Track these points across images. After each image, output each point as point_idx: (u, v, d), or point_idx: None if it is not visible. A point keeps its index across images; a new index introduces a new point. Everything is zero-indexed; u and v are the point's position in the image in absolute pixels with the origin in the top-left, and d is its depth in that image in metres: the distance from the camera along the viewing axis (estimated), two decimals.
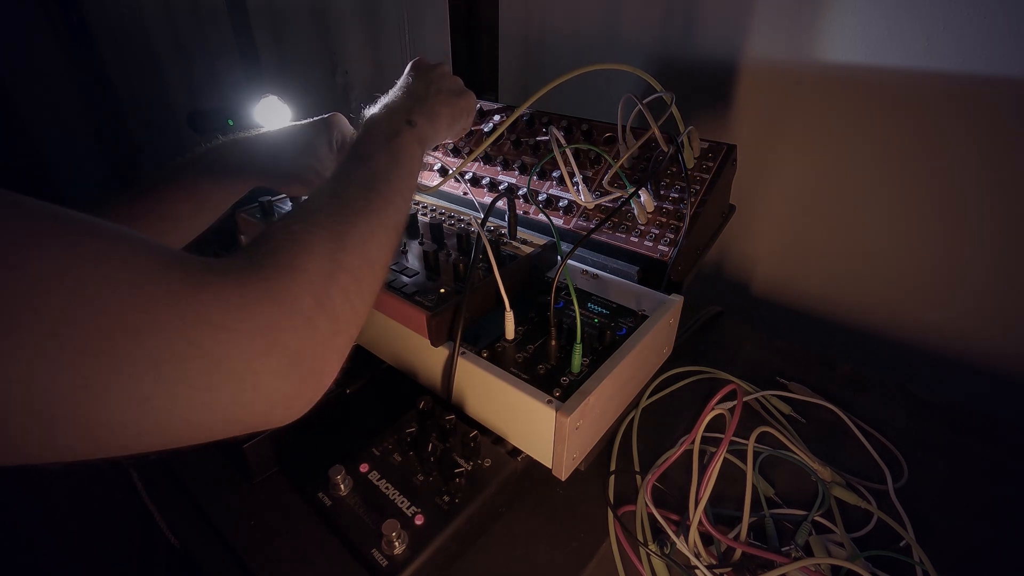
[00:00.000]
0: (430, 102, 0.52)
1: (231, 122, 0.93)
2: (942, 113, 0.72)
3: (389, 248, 0.39)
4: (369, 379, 0.61)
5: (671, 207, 0.64)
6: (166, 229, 0.50)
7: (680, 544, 0.45)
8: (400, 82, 0.55)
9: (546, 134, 0.73)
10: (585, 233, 0.62)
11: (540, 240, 0.62)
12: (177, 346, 0.24)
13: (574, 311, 0.49)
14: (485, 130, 0.79)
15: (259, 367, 0.27)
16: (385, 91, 0.53)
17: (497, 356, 0.49)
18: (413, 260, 0.57)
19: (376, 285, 0.37)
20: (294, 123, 0.61)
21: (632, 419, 0.59)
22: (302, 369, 0.29)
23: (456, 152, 0.82)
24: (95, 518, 0.67)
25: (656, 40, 0.94)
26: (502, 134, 0.78)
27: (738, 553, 0.44)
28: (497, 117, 0.79)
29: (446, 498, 0.45)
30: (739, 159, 0.68)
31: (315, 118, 0.61)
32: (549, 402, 0.44)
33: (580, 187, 0.67)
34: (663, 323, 0.55)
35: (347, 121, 0.62)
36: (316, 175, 0.58)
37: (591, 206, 0.68)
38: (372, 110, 0.49)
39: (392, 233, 0.39)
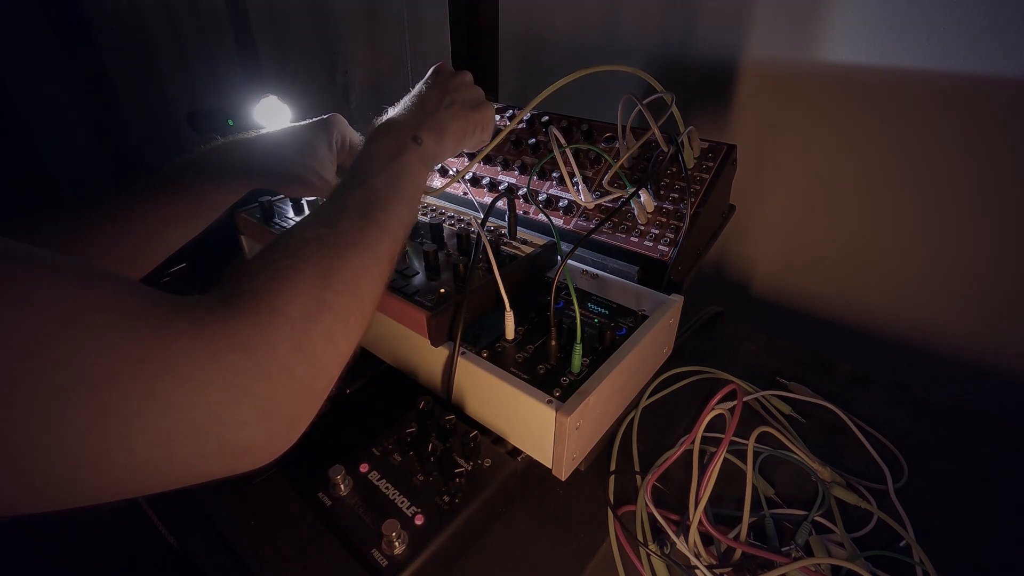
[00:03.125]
0: (440, 115, 0.50)
1: (231, 122, 0.93)
2: (943, 113, 0.72)
3: (382, 281, 0.37)
4: (369, 379, 0.61)
5: (671, 207, 0.64)
6: (164, 229, 0.50)
7: (680, 544, 0.45)
8: (415, 89, 0.52)
9: (546, 134, 0.73)
10: (585, 233, 0.62)
11: (540, 240, 0.62)
12: (135, 400, 0.22)
13: (574, 311, 0.49)
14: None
15: (226, 418, 0.25)
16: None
17: (497, 356, 0.49)
18: (413, 260, 0.57)
19: (365, 322, 0.35)
20: (293, 124, 0.61)
21: (632, 419, 0.59)
22: (274, 418, 0.27)
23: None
24: (94, 518, 0.67)
25: (656, 40, 0.94)
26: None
27: (738, 553, 0.44)
28: (497, 118, 0.79)
29: (446, 498, 0.45)
30: (739, 159, 0.68)
31: (314, 119, 0.61)
32: (549, 402, 0.44)
33: (580, 187, 0.67)
34: (663, 323, 0.55)
35: (346, 122, 0.62)
36: (315, 176, 0.58)
37: (591, 206, 0.68)
38: (379, 121, 0.47)
39: (387, 265, 0.37)
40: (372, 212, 0.37)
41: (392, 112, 0.50)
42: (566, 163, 0.67)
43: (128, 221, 0.47)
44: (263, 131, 0.59)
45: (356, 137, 0.63)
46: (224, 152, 0.55)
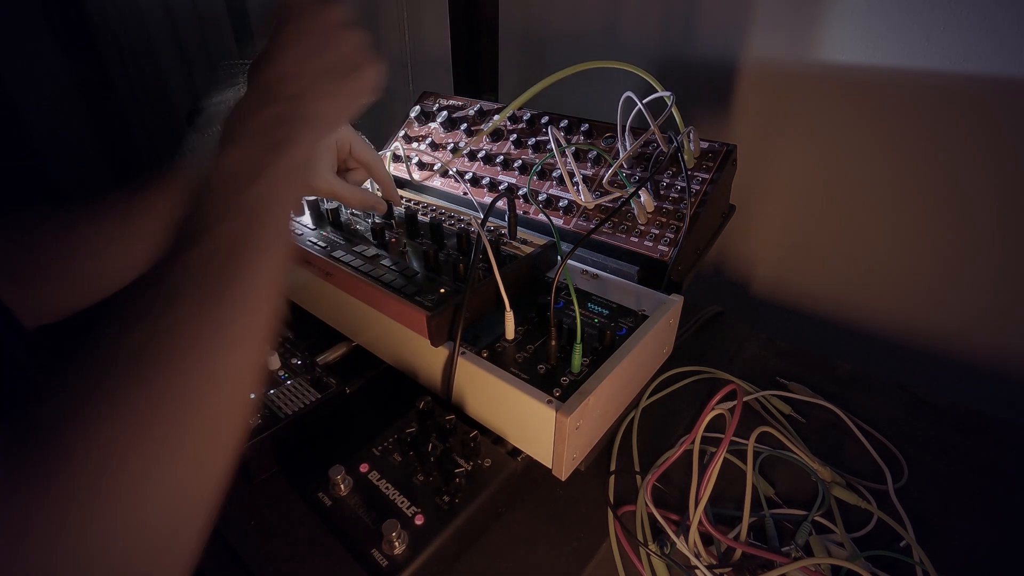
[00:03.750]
0: (307, 98, 0.33)
1: None
2: (942, 113, 0.72)
3: (247, 375, 0.26)
4: (369, 379, 0.61)
5: (671, 207, 0.64)
6: (165, 229, 0.50)
7: (680, 544, 0.45)
8: (261, 51, 0.34)
9: (546, 134, 0.73)
10: (585, 233, 0.62)
11: (540, 240, 0.62)
12: None
13: (574, 311, 0.49)
14: (484, 129, 0.79)
15: None
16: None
17: (497, 356, 0.49)
18: (413, 260, 0.57)
19: (224, 460, 0.26)
20: None
21: (632, 419, 0.59)
22: None
23: (456, 150, 0.82)
24: None
25: (656, 40, 0.94)
26: (502, 133, 0.78)
27: (738, 553, 0.44)
28: (497, 117, 0.79)
29: (446, 498, 0.44)
30: (739, 159, 0.68)
31: None
32: (549, 402, 0.43)
33: (580, 187, 0.67)
34: (663, 323, 0.55)
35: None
36: (315, 176, 0.58)
37: (591, 206, 0.68)
38: (223, 109, 0.32)
39: (252, 357, 0.27)
40: (215, 283, 0.26)
41: (238, 93, 0.33)
42: (566, 163, 0.67)
43: (129, 220, 0.47)
44: None
45: (356, 137, 0.63)
46: None
